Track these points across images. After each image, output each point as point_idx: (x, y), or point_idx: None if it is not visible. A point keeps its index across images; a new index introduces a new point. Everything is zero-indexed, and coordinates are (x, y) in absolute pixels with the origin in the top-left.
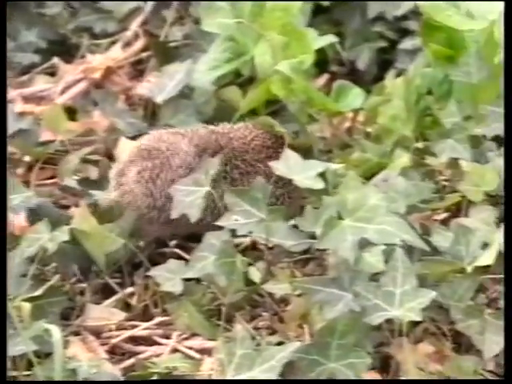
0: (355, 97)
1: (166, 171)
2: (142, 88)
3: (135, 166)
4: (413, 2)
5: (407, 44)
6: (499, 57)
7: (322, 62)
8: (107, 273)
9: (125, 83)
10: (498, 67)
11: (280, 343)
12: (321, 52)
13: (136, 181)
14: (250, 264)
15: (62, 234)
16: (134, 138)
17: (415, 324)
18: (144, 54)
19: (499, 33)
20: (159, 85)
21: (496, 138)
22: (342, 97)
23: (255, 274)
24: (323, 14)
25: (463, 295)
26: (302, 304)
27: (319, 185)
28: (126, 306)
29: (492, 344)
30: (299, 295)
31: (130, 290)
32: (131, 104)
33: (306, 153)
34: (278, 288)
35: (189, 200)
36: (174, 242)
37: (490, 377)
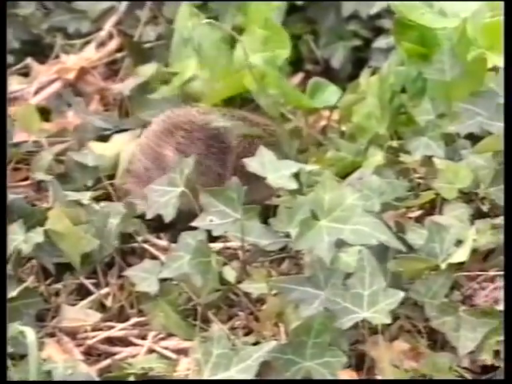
0: (330, 94)
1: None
2: (114, 87)
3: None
4: (387, 1)
5: (381, 42)
6: (472, 54)
7: (297, 61)
8: (82, 273)
9: (99, 83)
10: (471, 65)
11: (256, 343)
12: (295, 51)
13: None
14: (225, 263)
15: (37, 236)
16: (107, 137)
17: (391, 321)
18: (118, 54)
19: (472, 30)
20: (129, 82)
21: (469, 136)
22: (317, 94)
23: (231, 273)
24: (298, 13)
25: (437, 292)
26: (277, 303)
27: (293, 185)
28: (101, 307)
29: (467, 341)
30: (275, 294)
31: (105, 290)
32: (106, 104)
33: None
34: (254, 287)
35: (164, 200)
36: (141, 238)
37: (464, 373)
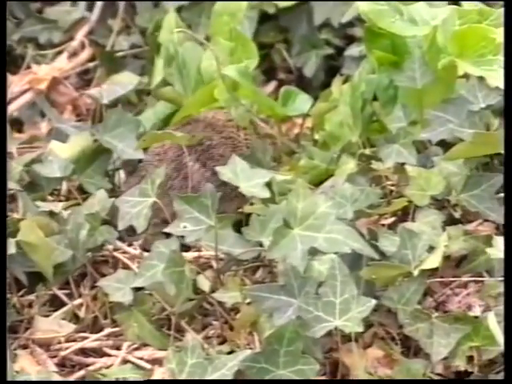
0: (302, 102)
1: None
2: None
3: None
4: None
5: (353, 51)
6: (443, 62)
7: (270, 70)
8: (55, 284)
9: (71, 93)
10: (441, 72)
11: (231, 352)
12: (268, 59)
13: None
14: (198, 273)
15: (9, 247)
16: None
17: (365, 329)
18: (90, 64)
19: (442, 38)
20: (106, 90)
21: (441, 143)
22: (289, 102)
23: (204, 282)
24: (270, 22)
25: (410, 299)
26: (251, 312)
27: (265, 194)
28: (74, 318)
29: (440, 347)
30: (249, 303)
31: (78, 301)
32: (78, 114)
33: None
34: (228, 296)
35: (135, 211)
36: (111, 247)
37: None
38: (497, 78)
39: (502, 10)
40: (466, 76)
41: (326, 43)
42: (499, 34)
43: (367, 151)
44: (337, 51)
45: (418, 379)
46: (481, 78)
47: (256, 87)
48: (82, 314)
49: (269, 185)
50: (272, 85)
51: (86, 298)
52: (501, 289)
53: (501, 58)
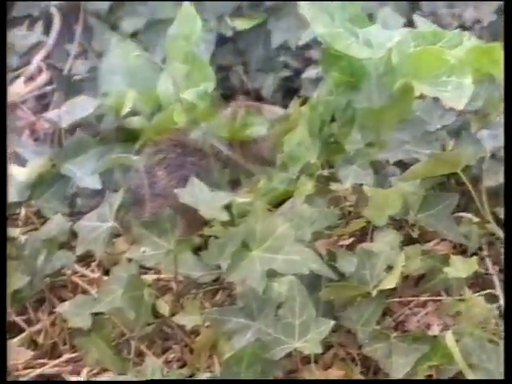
0: (260, 124)
1: None
2: (48, 116)
3: None
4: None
5: (311, 73)
6: (399, 83)
7: (228, 92)
8: (13, 311)
9: (29, 118)
10: (398, 93)
11: (191, 375)
12: (226, 82)
13: None
14: (158, 296)
15: None
16: None
17: (325, 349)
18: (48, 88)
19: (397, 60)
20: (65, 113)
21: (398, 163)
22: (248, 124)
23: (164, 306)
24: (227, 44)
25: (369, 319)
26: (211, 335)
27: (224, 216)
28: (33, 344)
29: (399, 367)
30: (208, 326)
31: (36, 327)
32: (36, 139)
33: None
34: (188, 319)
35: (93, 236)
36: (69, 271)
37: None
38: (452, 99)
39: (455, 32)
40: (422, 97)
41: (283, 65)
42: (453, 56)
43: (325, 172)
44: (294, 73)
45: (417, 379)
46: (436, 99)
47: (214, 110)
48: (40, 340)
49: (228, 207)
50: (230, 107)
51: (45, 324)
52: (458, 307)
53: (455, 79)
